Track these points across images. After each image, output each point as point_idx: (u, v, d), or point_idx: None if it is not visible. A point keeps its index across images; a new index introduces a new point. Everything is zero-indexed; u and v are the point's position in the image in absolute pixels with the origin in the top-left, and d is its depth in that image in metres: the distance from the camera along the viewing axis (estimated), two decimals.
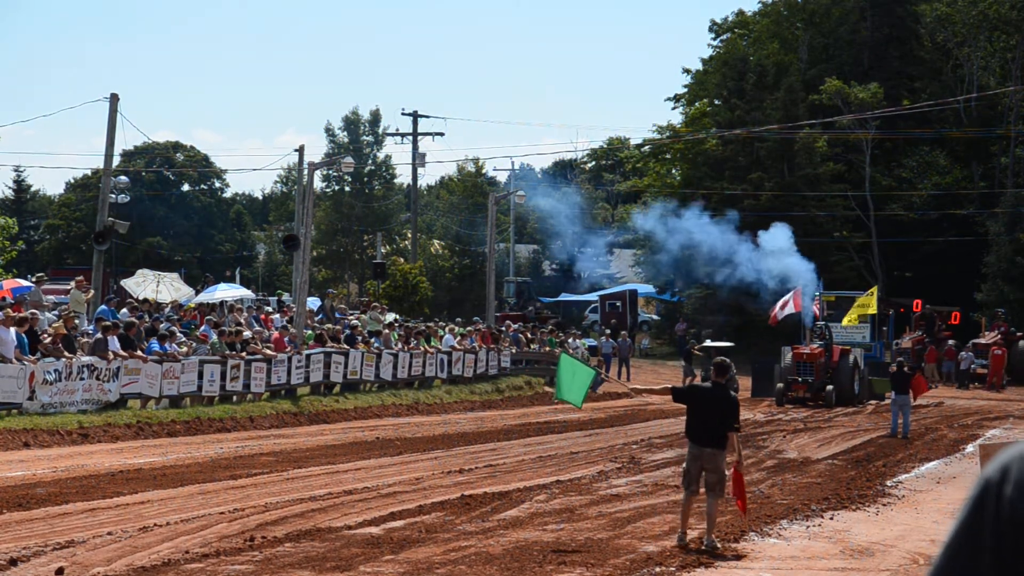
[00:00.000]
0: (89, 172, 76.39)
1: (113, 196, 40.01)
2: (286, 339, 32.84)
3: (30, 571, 11.43)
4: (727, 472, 14.36)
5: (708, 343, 49.76)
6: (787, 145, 60.05)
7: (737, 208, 54.57)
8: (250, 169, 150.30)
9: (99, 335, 26.53)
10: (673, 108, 79.76)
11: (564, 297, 74.59)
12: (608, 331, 53.64)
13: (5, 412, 23.60)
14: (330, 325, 36.65)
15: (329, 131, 79.83)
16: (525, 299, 67.12)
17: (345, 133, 79.41)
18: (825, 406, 38.82)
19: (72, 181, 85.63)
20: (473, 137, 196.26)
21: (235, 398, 30.11)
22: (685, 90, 75.42)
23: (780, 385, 40.02)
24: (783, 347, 42.34)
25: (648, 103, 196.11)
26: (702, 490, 14.10)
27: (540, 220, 77.09)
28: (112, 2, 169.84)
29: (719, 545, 13.71)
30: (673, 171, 71.23)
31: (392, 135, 74.22)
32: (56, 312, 29.92)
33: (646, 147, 75.14)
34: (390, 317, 41.98)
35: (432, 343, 39.58)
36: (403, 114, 69.31)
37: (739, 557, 13.32)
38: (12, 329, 23.99)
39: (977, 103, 62.22)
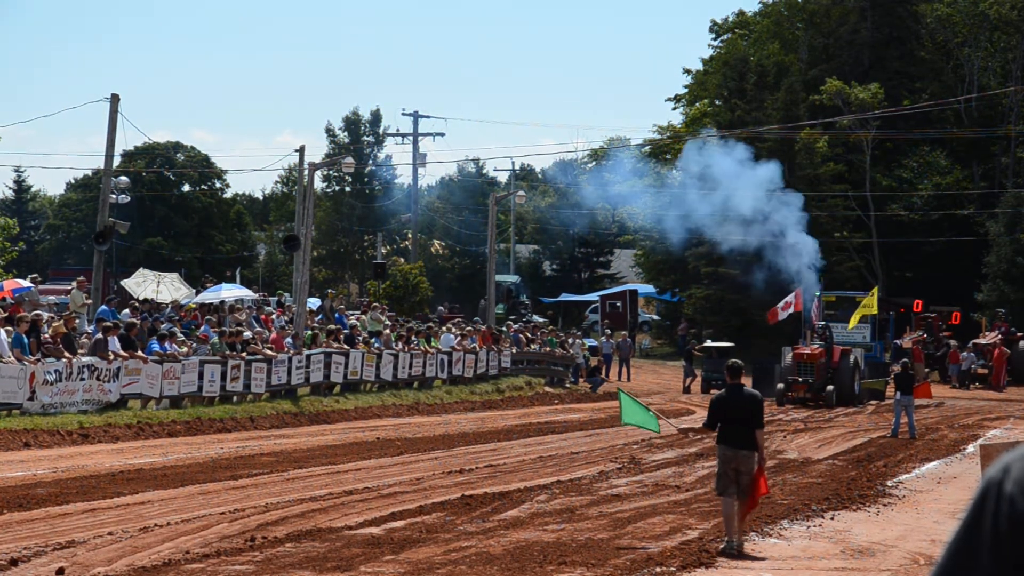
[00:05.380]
0: (89, 172, 76.42)
1: (113, 196, 40.00)
2: (287, 339, 32.84)
3: (31, 571, 11.44)
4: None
5: (708, 343, 49.83)
6: (787, 145, 60.04)
7: None
8: (251, 169, 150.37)
9: (99, 335, 26.54)
10: (673, 108, 79.86)
11: (564, 297, 74.61)
12: (608, 331, 53.66)
13: (5, 412, 23.60)
14: (332, 325, 36.64)
15: (330, 131, 79.91)
16: (514, 301, 66.93)
17: (345, 133, 79.45)
18: (825, 406, 38.82)
19: (72, 181, 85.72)
20: (473, 137, 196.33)
21: (235, 398, 30.12)
22: (685, 90, 75.48)
23: (780, 385, 40.03)
24: (783, 347, 42.37)
25: (648, 103, 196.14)
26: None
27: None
28: (112, 2, 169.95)
29: (745, 546, 13.67)
30: (673, 171, 71.20)
31: (392, 135, 74.29)
32: (54, 312, 29.91)
33: (646, 147, 75.15)
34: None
35: (432, 343, 39.60)
36: (403, 114, 69.44)
37: (739, 557, 13.31)
38: (1, 329, 23.99)
39: (977, 103, 62.22)
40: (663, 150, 71.75)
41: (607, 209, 76.79)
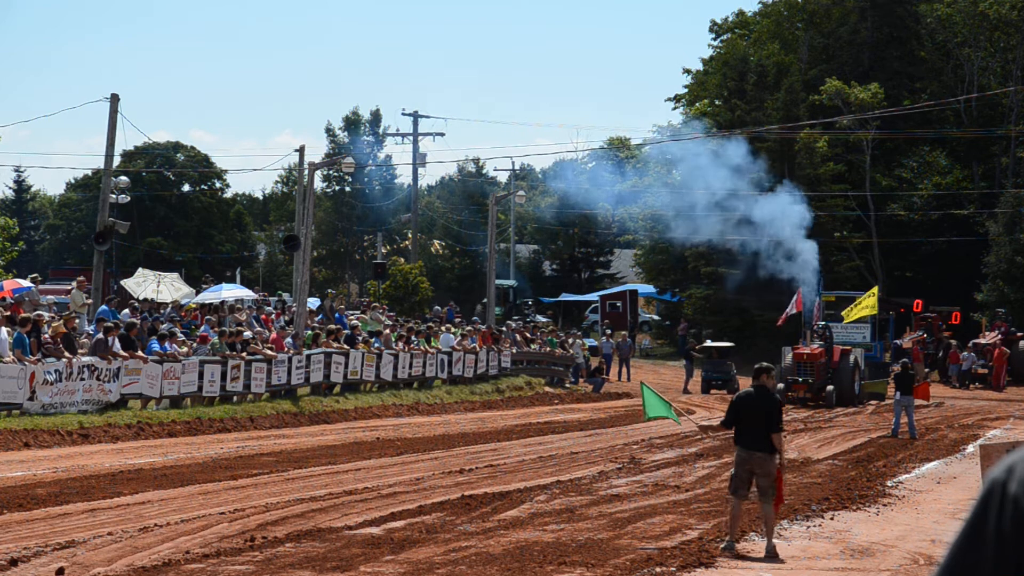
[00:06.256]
0: (89, 172, 76.40)
1: (113, 196, 39.98)
2: (287, 339, 32.83)
3: (30, 571, 11.43)
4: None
5: (708, 343, 49.81)
6: (787, 145, 60.05)
7: None
8: (250, 169, 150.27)
9: (100, 335, 26.54)
10: (673, 108, 79.90)
11: (564, 297, 74.57)
12: (608, 331, 53.63)
13: (5, 412, 23.60)
14: (332, 325, 36.63)
15: (329, 131, 79.93)
16: (511, 304, 66.75)
17: (346, 133, 79.47)
18: (825, 406, 38.82)
19: (72, 181, 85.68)
20: (473, 137, 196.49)
21: (235, 398, 30.12)
22: (685, 90, 75.49)
23: (780, 385, 40.01)
24: (783, 347, 42.35)
25: (648, 103, 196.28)
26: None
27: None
28: (112, 2, 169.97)
29: (779, 552, 13.57)
30: (673, 171, 71.27)
31: (392, 135, 74.25)
32: (54, 312, 29.91)
33: (646, 147, 75.16)
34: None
35: (432, 343, 39.59)
36: (403, 114, 69.38)
37: (739, 557, 13.31)
38: (3, 328, 23.99)
39: (977, 103, 62.21)
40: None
41: (606, 209, 76.76)
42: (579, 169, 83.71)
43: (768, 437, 13.80)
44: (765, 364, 14.60)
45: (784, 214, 46.57)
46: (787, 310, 42.95)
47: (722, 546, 13.58)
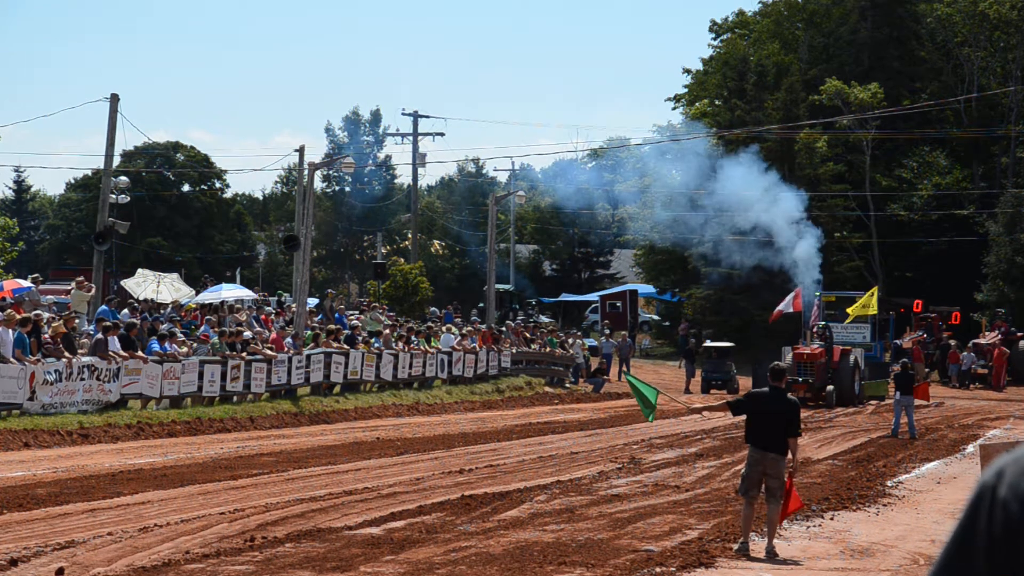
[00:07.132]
0: (89, 172, 76.39)
1: (113, 196, 39.99)
2: (287, 339, 32.84)
3: (30, 571, 11.43)
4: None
5: (708, 343, 49.78)
6: (787, 145, 60.03)
7: None
8: (250, 169, 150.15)
9: (100, 335, 26.54)
10: (673, 108, 79.86)
11: (564, 297, 74.57)
12: (608, 331, 53.60)
13: (6, 412, 23.60)
14: (332, 325, 36.63)
15: (329, 131, 79.96)
16: (508, 308, 66.63)
17: (345, 133, 79.51)
18: (825, 406, 38.82)
19: (72, 181, 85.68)
20: (473, 137, 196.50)
21: (235, 398, 30.12)
22: (685, 90, 75.47)
23: None
24: (783, 347, 42.33)
25: (648, 103, 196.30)
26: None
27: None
28: (112, 2, 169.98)
29: (779, 553, 13.56)
30: (673, 172, 71.25)
31: (392, 135, 74.31)
32: (53, 312, 29.92)
33: (646, 147, 75.12)
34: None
35: (432, 343, 39.59)
36: (403, 114, 69.41)
37: (739, 557, 13.31)
38: (9, 329, 23.99)
39: (977, 103, 62.22)
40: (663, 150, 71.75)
41: (606, 209, 76.75)
42: (579, 168, 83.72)
43: (783, 439, 13.74)
44: (783, 365, 14.51)
45: (748, 184, 47.10)
46: (782, 307, 42.90)
47: (736, 548, 13.54)
